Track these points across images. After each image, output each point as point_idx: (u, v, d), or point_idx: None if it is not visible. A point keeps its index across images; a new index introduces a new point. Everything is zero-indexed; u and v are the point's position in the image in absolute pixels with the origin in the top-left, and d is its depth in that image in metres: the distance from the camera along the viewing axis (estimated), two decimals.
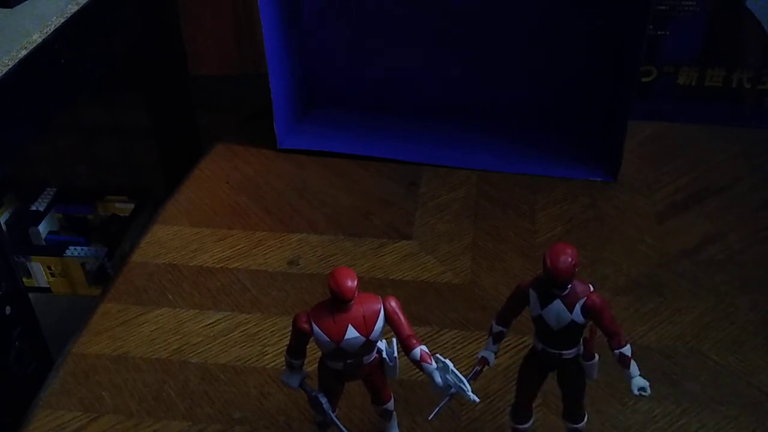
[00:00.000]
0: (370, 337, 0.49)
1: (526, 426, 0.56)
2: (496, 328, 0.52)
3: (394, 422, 0.57)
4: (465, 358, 0.66)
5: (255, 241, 0.80)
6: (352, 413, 0.61)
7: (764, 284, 0.73)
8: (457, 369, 0.50)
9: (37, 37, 0.81)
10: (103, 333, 0.70)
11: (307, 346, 0.51)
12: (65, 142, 1.32)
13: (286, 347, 0.52)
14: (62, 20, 0.85)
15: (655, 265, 0.76)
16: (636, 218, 0.82)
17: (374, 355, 0.52)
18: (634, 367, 0.50)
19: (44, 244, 1.21)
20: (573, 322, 0.49)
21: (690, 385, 0.63)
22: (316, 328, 0.49)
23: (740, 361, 0.65)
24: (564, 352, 0.51)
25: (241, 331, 0.69)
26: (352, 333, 0.49)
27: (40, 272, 1.19)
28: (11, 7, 0.85)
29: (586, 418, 0.55)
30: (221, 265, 0.77)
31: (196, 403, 0.63)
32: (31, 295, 0.84)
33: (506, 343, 0.66)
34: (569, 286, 0.48)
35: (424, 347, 0.50)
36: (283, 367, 0.53)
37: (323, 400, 0.52)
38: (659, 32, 0.94)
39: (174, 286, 0.75)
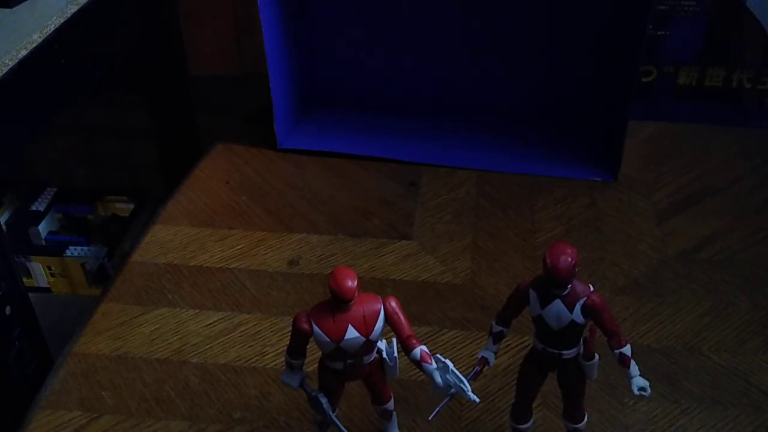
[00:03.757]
0: (370, 337, 0.49)
1: (526, 426, 0.56)
2: (496, 328, 0.52)
3: (394, 422, 0.57)
4: (465, 358, 0.66)
5: (255, 241, 0.80)
6: (352, 413, 0.61)
7: (764, 284, 0.73)
8: (457, 369, 0.50)
9: (37, 37, 0.81)
10: (103, 333, 0.70)
11: (307, 346, 0.51)
12: (65, 142, 1.32)
13: (286, 347, 0.52)
14: (62, 20, 0.85)
15: (655, 265, 0.76)
16: (636, 218, 0.82)
17: (374, 355, 0.52)
18: (634, 367, 0.50)
19: (44, 244, 1.21)
20: (573, 322, 0.49)
21: (690, 385, 0.63)
22: (316, 328, 0.49)
23: (740, 361, 0.65)
24: (564, 352, 0.51)
25: (241, 331, 0.69)
26: (352, 333, 0.49)
27: (40, 272, 1.19)
28: (11, 7, 0.85)
29: (586, 418, 0.55)
30: (221, 265, 0.77)
31: (196, 403, 0.63)
32: (31, 295, 0.84)
33: (506, 343, 0.66)
34: (569, 286, 0.48)
35: (424, 347, 0.50)
36: (283, 367, 0.53)
37: (323, 400, 0.52)
38: (659, 32, 0.94)
39: (174, 286, 0.75)
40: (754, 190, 0.86)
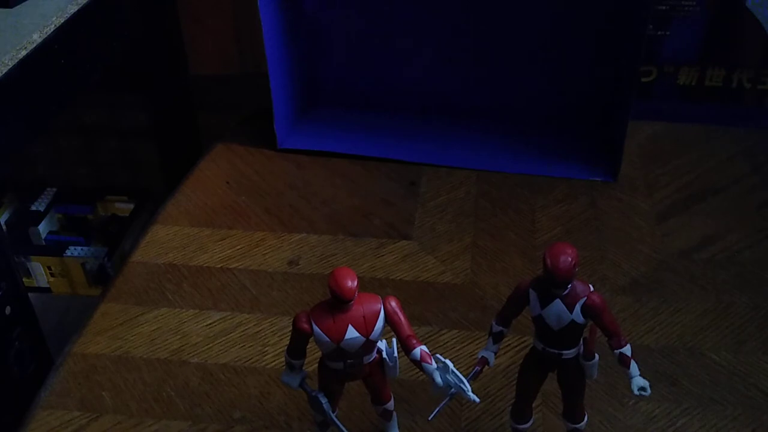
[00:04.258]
0: (370, 337, 0.49)
1: (526, 426, 0.56)
2: (496, 328, 0.52)
3: (394, 422, 0.57)
4: (465, 358, 0.66)
5: (255, 241, 0.80)
6: (352, 413, 0.61)
7: (764, 284, 0.73)
8: (457, 369, 0.50)
9: (37, 37, 0.81)
10: (103, 333, 0.70)
11: (307, 346, 0.51)
12: (65, 142, 1.32)
13: (286, 347, 0.52)
14: (62, 20, 0.85)
15: (655, 265, 0.76)
16: (636, 218, 0.82)
17: (374, 355, 0.52)
18: (634, 367, 0.50)
19: (44, 244, 1.22)
20: (573, 322, 0.49)
21: (690, 385, 0.63)
22: (316, 328, 0.49)
23: (740, 361, 0.65)
24: (564, 352, 0.51)
25: (241, 331, 0.69)
26: (352, 333, 0.49)
27: (40, 272, 1.19)
28: (11, 7, 0.85)
29: (586, 418, 0.55)
30: (221, 265, 0.77)
31: (196, 403, 0.63)
32: (31, 295, 0.84)
33: (506, 343, 0.66)
34: (569, 286, 0.48)
35: (424, 347, 0.50)
36: (283, 367, 0.53)
37: (323, 400, 0.52)
38: (659, 32, 0.94)
39: (174, 286, 0.75)
40: (754, 190, 0.86)
